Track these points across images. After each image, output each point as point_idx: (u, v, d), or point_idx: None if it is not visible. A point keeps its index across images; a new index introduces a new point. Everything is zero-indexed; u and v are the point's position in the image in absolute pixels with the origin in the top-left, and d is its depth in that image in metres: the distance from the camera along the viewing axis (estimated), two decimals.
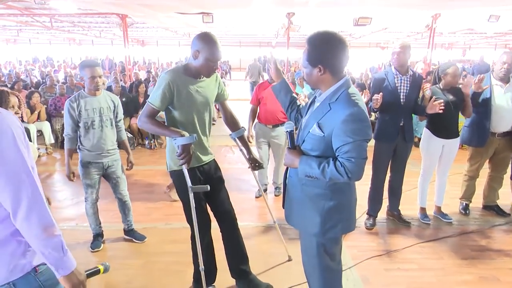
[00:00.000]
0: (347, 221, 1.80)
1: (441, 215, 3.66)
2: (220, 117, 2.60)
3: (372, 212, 3.52)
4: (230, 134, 2.56)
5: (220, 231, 2.52)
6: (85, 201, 3.10)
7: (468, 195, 3.78)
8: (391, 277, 2.76)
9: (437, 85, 3.36)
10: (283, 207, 1.96)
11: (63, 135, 3.03)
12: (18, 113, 2.09)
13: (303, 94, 5.53)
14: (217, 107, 2.32)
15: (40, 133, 6.16)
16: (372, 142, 2.21)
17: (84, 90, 2.95)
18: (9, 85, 7.61)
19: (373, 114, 5.26)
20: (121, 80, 8.88)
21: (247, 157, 2.57)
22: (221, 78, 2.48)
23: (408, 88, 3.16)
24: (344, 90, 1.63)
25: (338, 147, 1.59)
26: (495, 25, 9.14)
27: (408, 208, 3.71)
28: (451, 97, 3.25)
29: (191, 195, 2.14)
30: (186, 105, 2.15)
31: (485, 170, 3.80)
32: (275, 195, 4.30)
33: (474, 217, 3.74)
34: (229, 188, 2.55)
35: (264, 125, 4.05)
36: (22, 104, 2.15)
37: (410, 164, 3.55)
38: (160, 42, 22.49)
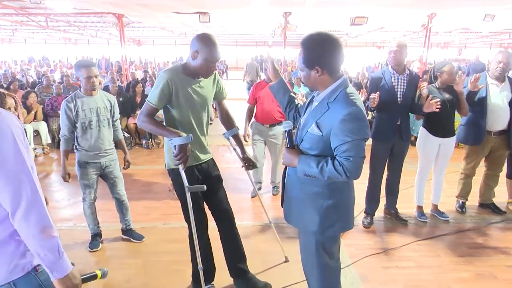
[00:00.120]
0: (345, 220, 1.81)
1: (438, 213, 3.69)
2: (217, 117, 2.61)
3: (370, 210, 3.54)
4: (224, 133, 2.58)
5: (218, 230, 2.53)
6: (83, 201, 3.09)
7: (464, 193, 3.81)
8: (388, 275, 2.78)
9: (433, 84, 3.38)
10: (282, 206, 1.97)
11: (60, 136, 3.03)
12: (14, 115, 2.08)
13: (300, 93, 5.55)
14: (214, 107, 2.33)
15: (36, 133, 6.13)
16: (369, 141, 2.22)
17: (80, 90, 2.95)
18: (4, 85, 7.57)
19: (370, 113, 5.28)
20: (117, 80, 8.86)
21: (241, 156, 2.58)
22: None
23: (405, 87, 3.17)
24: (342, 89, 1.64)
25: (337, 146, 1.60)
26: (491, 25, 9.20)
27: (405, 206, 3.74)
28: (447, 95, 3.27)
29: (188, 195, 2.15)
30: (184, 104, 2.16)
31: (481, 169, 3.83)
32: (273, 194, 4.31)
33: (471, 215, 3.77)
34: (227, 187, 2.55)
35: (261, 124, 4.06)
36: (18, 106, 2.14)
37: (407, 163, 3.57)
38: (156, 42, 22.42)
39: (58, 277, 1.21)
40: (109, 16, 10.21)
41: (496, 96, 3.43)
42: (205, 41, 2.04)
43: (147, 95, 4.51)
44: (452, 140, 3.45)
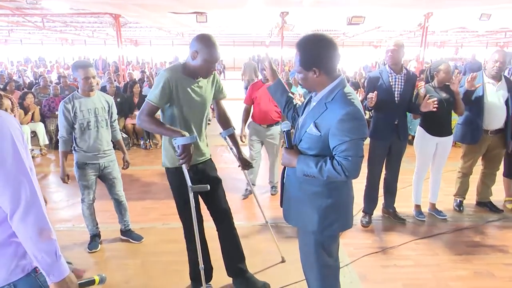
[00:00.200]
0: (344, 219, 1.82)
1: (435, 212, 3.70)
2: (215, 117, 2.62)
3: (368, 210, 3.55)
4: (221, 133, 2.58)
5: (217, 230, 2.53)
6: (82, 202, 3.09)
7: (462, 192, 3.83)
8: (387, 274, 2.79)
9: (430, 83, 3.40)
10: (281, 206, 1.97)
11: (58, 137, 3.02)
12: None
13: (298, 93, 5.55)
14: (212, 107, 2.33)
15: (34, 134, 6.11)
16: (367, 141, 2.23)
17: (78, 91, 2.94)
18: (1, 86, 7.54)
19: (367, 112, 5.30)
20: (115, 80, 8.84)
21: (237, 156, 2.59)
22: None
23: (402, 86, 3.19)
24: (340, 89, 1.65)
25: (335, 146, 1.61)
26: (487, 24, 9.24)
27: (403, 205, 3.75)
28: (444, 95, 3.29)
29: (191, 195, 2.15)
30: (183, 104, 2.16)
31: (478, 167, 3.85)
32: (272, 194, 4.31)
33: (468, 213, 3.79)
34: (226, 188, 2.55)
35: (259, 124, 4.06)
36: (15, 107, 2.14)
37: (404, 162, 3.58)
38: (153, 42, 22.36)
39: (54, 281, 1.20)
40: (106, 16, 10.17)
41: (493, 95, 3.45)
42: (205, 41, 2.05)
43: (145, 96, 4.50)
44: (449, 139, 3.46)
